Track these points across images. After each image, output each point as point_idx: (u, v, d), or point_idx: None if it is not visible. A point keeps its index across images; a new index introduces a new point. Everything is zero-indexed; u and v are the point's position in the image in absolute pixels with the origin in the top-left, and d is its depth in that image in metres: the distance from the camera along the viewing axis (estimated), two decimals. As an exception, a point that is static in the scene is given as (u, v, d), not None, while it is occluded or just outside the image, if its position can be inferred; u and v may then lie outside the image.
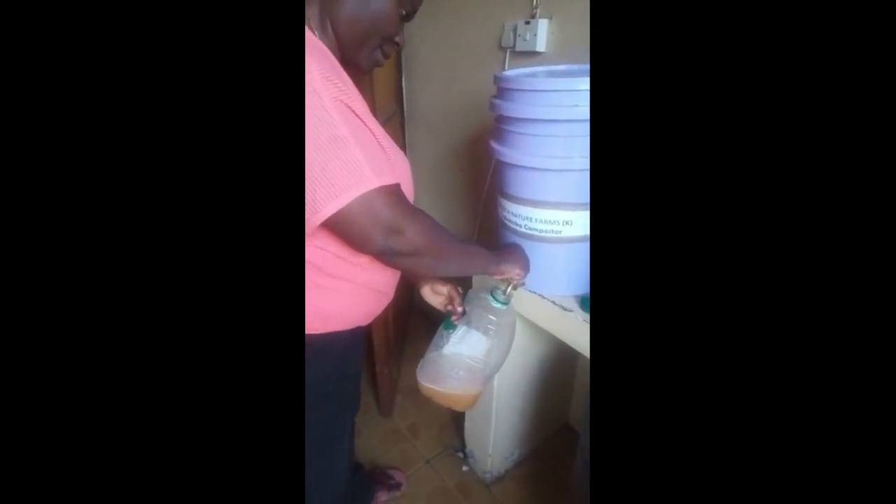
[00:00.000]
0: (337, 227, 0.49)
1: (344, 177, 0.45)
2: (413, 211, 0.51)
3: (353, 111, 0.49)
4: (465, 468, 1.22)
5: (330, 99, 0.45)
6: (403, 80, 1.45)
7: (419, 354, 0.73)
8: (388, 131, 0.57)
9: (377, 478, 1.17)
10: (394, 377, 1.41)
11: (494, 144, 0.72)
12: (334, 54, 0.55)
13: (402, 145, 1.42)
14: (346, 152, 0.45)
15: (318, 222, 0.47)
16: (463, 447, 1.24)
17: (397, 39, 0.59)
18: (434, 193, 1.48)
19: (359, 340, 0.73)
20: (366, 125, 0.51)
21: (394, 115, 1.29)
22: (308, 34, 0.50)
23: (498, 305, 0.70)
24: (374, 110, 1.05)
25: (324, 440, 0.71)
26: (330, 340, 0.62)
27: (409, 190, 0.61)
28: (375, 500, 1.13)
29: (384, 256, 0.52)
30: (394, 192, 0.49)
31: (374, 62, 0.60)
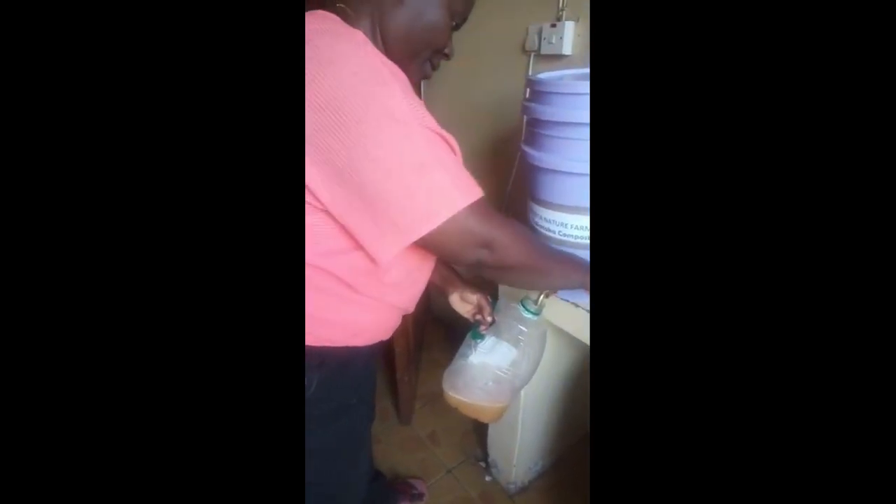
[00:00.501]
0: (426, 245, 0.49)
1: (431, 201, 0.46)
2: (503, 223, 0.51)
3: (434, 131, 0.48)
4: (487, 478, 1.20)
5: (417, 125, 0.45)
6: (423, 85, 1.45)
7: (436, 362, 0.72)
8: None
9: (399, 487, 1.15)
10: (413, 384, 1.39)
11: (527, 149, 0.70)
12: None
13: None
14: (432, 177, 0.46)
15: (406, 244, 0.47)
16: (485, 456, 1.22)
17: (447, 51, 0.59)
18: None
19: (377, 353, 0.73)
20: (446, 141, 0.50)
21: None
22: (379, 53, 0.48)
23: (529, 316, 0.68)
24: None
25: (347, 450, 0.70)
26: (354, 354, 0.62)
27: None
28: (398, 510, 1.11)
29: (475, 269, 0.52)
30: (481, 206, 0.49)
31: (423, 75, 0.59)
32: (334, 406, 0.63)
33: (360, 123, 0.42)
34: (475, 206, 0.48)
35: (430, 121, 0.48)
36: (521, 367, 0.68)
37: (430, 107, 1.45)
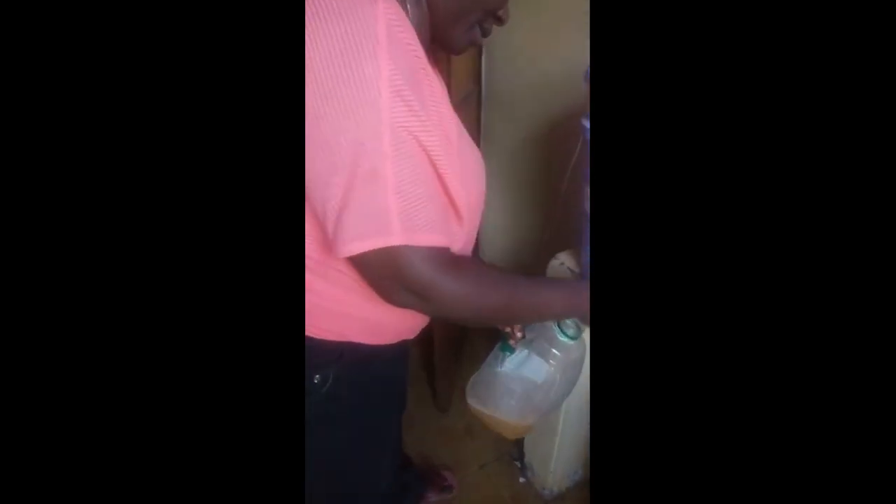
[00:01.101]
0: (355, 266, 0.43)
1: (367, 223, 0.38)
2: (456, 277, 0.41)
3: (421, 144, 0.39)
4: (522, 479, 1.14)
5: (390, 122, 0.36)
6: (483, 55, 1.35)
7: (479, 352, 0.67)
8: (460, 115, 0.49)
9: (428, 477, 1.12)
10: (451, 372, 1.35)
11: (587, 123, 0.60)
12: (423, 32, 0.46)
13: (476, 130, 1.33)
14: (379, 195, 0.37)
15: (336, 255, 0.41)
16: (521, 457, 1.16)
17: (501, 14, 0.49)
18: (505, 184, 1.38)
19: (406, 349, 0.68)
20: (433, 163, 0.41)
21: (469, 96, 1.19)
22: (398, 14, 0.38)
23: (564, 340, 0.60)
24: (449, 91, 0.96)
25: (368, 446, 0.67)
26: (377, 352, 0.57)
27: (479, 190, 0.53)
28: (425, 499, 1.09)
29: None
30: (428, 254, 0.40)
31: (469, 42, 0.50)
32: (355, 402, 0.59)
33: (326, 99, 0.35)
34: (419, 251, 0.39)
35: (424, 130, 0.39)
36: (549, 391, 0.60)
37: (490, 79, 1.35)
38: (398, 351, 0.63)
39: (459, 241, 0.47)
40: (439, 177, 0.42)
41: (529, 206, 1.34)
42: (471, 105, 1.22)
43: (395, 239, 0.38)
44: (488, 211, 1.49)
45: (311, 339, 0.51)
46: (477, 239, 1.48)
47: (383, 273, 0.41)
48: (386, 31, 0.36)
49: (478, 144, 1.31)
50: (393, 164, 0.37)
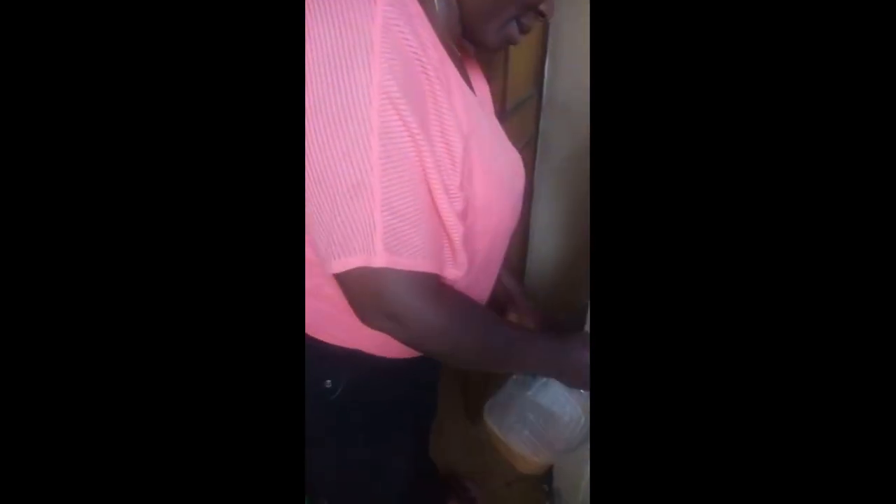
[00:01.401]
0: (336, 281, 0.41)
1: (351, 240, 0.36)
2: (431, 303, 0.39)
3: (416, 158, 0.36)
4: (547, 504, 1.09)
5: (380, 132, 0.34)
6: (548, 58, 1.29)
7: None
8: (513, 121, 0.47)
9: (451, 485, 1.11)
10: (485, 380, 1.32)
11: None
12: (452, 28, 0.44)
13: (533, 138, 1.28)
14: (364, 210, 0.35)
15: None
16: (549, 481, 1.11)
17: (542, 8, 0.44)
18: (559, 196, 1.32)
19: (433, 363, 0.65)
20: (427, 180, 0.38)
21: (528, 100, 1.15)
22: (400, 13, 0.35)
23: None
24: (504, 95, 0.93)
25: (382, 460, 0.65)
26: (392, 364, 0.56)
27: (516, 189, 0.50)
28: (446, 508, 1.08)
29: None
30: (411, 279, 0.37)
31: (504, 39, 0.46)
32: (368, 413, 0.59)
33: (315, 104, 0.34)
34: (402, 275, 0.36)
35: (422, 141, 0.36)
36: (566, 429, 0.56)
37: (553, 83, 1.29)
38: (421, 369, 0.61)
39: (461, 267, 0.44)
40: (433, 196, 0.39)
41: (583, 221, 1.27)
42: (529, 111, 1.18)
43: (377, 260, 0.36)
44: (539, 221, 1.44)
45: (326, 345, 0.52)
46: (525, 249, 1.43)
47: (361, 293, 0.39)
48: (382, 32, 0.33)
49: (533, 153, 1.26)
50: (380, 178, 0.35)
